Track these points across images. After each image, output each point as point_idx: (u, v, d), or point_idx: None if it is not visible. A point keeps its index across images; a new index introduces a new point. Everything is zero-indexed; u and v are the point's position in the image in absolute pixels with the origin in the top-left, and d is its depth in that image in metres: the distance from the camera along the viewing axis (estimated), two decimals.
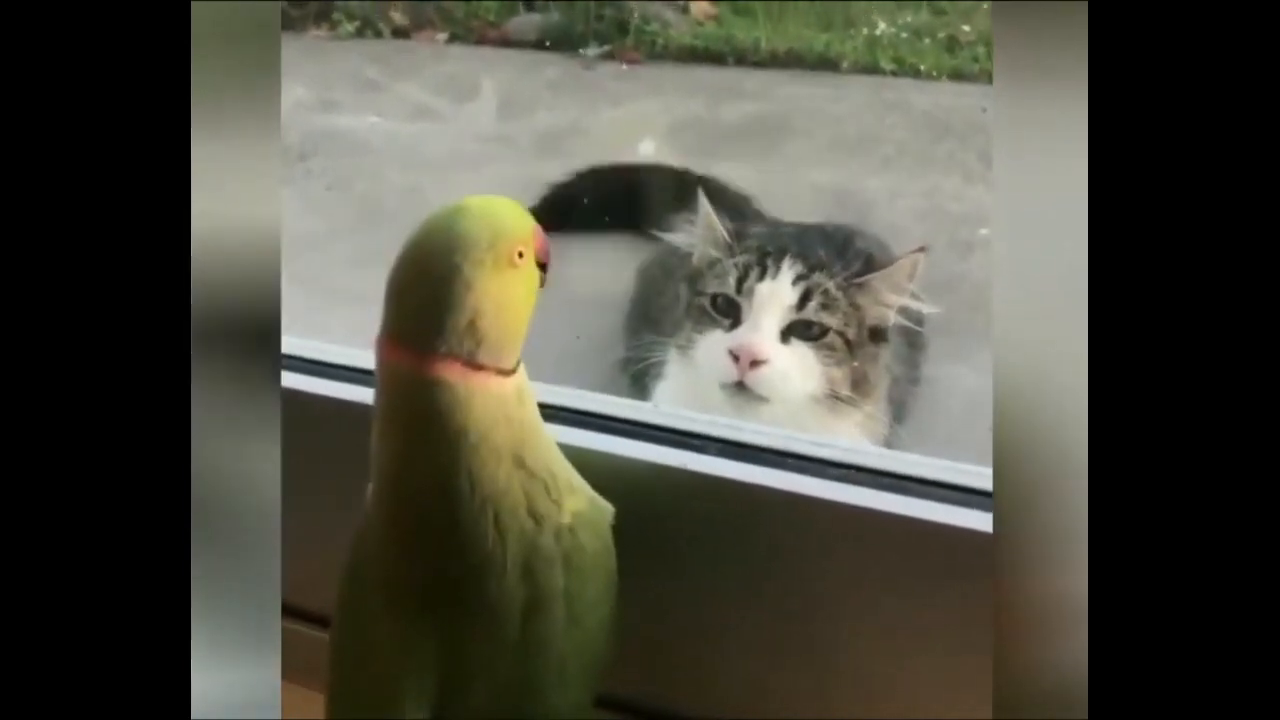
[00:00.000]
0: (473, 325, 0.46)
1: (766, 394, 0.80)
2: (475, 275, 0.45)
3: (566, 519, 0.49)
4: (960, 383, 0.99)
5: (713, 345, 0.82)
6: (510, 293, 0.47)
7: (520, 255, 0.47)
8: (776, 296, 0.81)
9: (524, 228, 0.48)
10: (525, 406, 0.49)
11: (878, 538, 0.54)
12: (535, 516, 0.48)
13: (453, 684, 0.49)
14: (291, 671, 0.48)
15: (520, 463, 0.48)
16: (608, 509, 0.51)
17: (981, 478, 0.54)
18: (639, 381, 0.90)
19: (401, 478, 0.48)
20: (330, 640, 0.52)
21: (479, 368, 0.46)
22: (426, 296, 0.46)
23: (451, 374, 0.46)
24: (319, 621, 0.66)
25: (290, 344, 0.67)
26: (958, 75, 1.52)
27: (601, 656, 0.51)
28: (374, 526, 0.50)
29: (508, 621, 0.48)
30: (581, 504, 0.50)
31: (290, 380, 0.64)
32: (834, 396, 0.81)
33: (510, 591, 0.48)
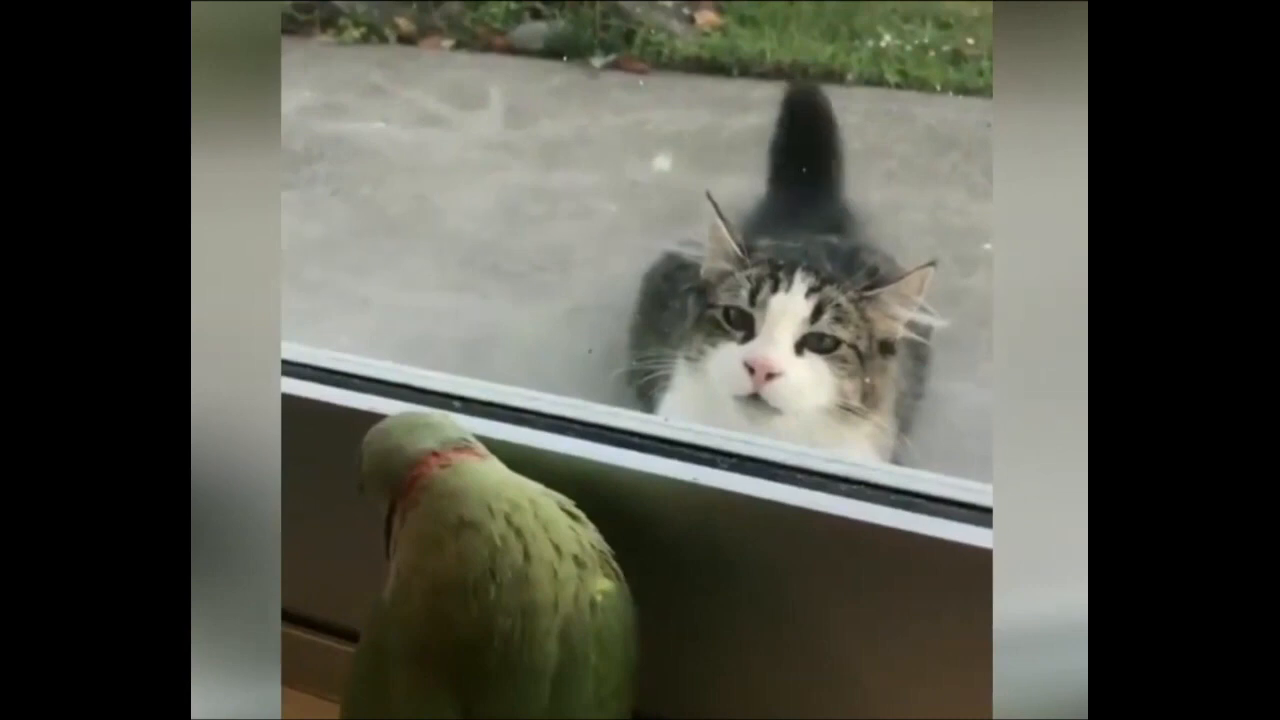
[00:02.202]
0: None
1: (780, 406, 0.80)
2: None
3: (599, 595, 0.50)
4: (964, 398, 0.99)
5: (726, 358, 0.82)
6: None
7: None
8: (790, 309, 0.81)
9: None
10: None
11: (887, 553, 0.54)
12: (580, 561, 0.49)
13: None
14: (291, 677, 0.48)
15: (565, 509, 0.51)
16: (631, 600, 0.52)
17: (990, 495, 0.54)
18: (645, 394, 0.90)
19: (460, 532, 0.49)
20: (347, 704, 0.52)
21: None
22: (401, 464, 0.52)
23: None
24: (319, 627, 0.66)
25: (291, 350, 0.66)
26: (963, 89, 1.53)
27: None
28: (399, 598, 0.50)
29: (540, 684, 0.48)
30: (611, 588, 0.51)
31: (291, 386, 0.64)
32: (845, 408, 0.81)
33: (549, 649, 0.48)
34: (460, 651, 0.48)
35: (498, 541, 0.48)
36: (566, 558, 0.49)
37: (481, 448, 0.53)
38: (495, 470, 0.52)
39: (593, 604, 0.49)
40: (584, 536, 0.51)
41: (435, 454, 0.51)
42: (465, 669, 0.48)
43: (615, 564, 0.52)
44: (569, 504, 0.52)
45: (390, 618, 0.50)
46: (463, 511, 0.49)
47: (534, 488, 0.51)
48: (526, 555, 0.48)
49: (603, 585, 0.50)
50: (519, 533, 0.48)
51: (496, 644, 0.47)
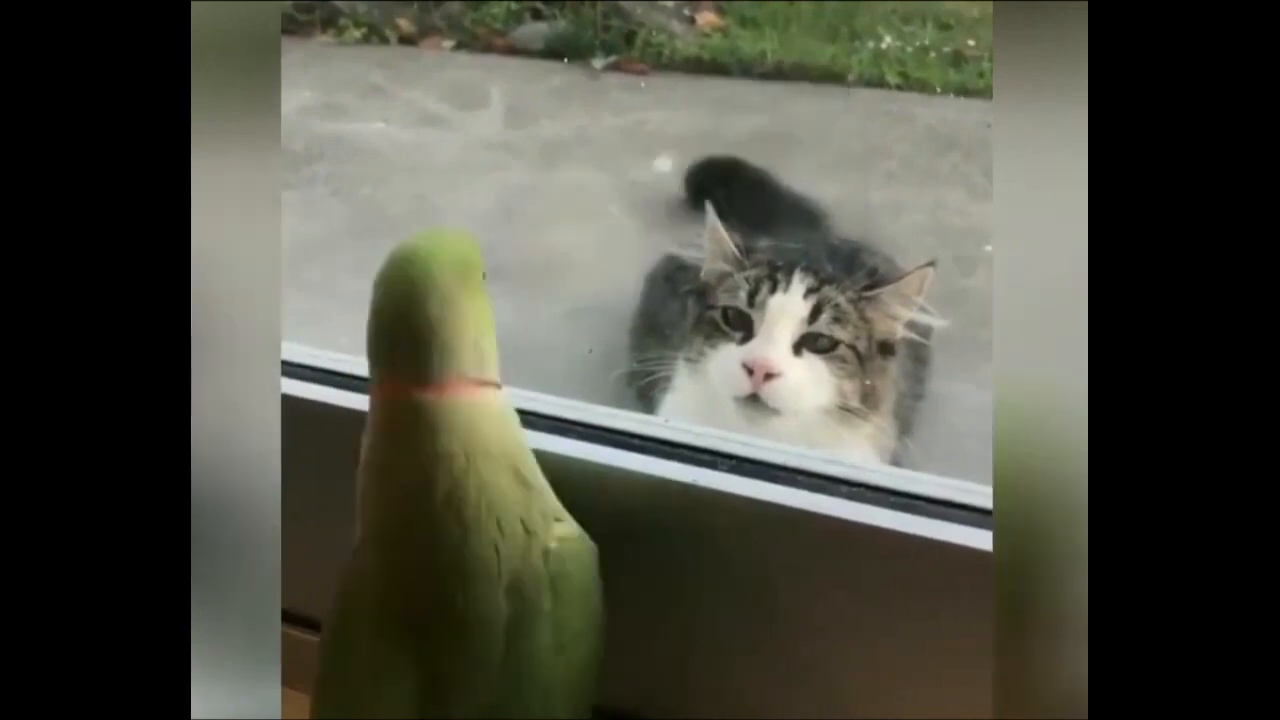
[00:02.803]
0: (477, 345, 0.49)
1: (779, 407, 0.80)
2: (474, 299, 0.49)
3: (553, 543, 0.50)
4: (964, 398, 0.99)
5: (725, 358, 0.82)
6: (488, 309, 0.50)
7: (484, 276, 0.51)
8: (788, 310, 0.81)
9: (478, 252, 0.51)
10: (516, 424, 0.51)
11: (887, 555, 0.54)
12: (528, 528, 0.49)
13: (434, 703, 0.49)
14: (291, 677, 0.48)
15: (518, 474, 0.50)
16: (593, 546, 0.52)
17: (990, 496, 0.54)
18: (645, 395, 0.90)
19: (408, 495, 0.49)
20: (320, 663, 0.52)
21: (485, 383, 0.49)
22: (432, 328, 0.48)
23: (463, 394, 0.48)
24: (319, 627, 0.66)
25: (291, 350, 0.66)
26: (963, 90, 1.53)
27: (588, 691, 0.52)
28: (368, 553, 0.51)
29: (493, 635, 0.48)
30: (570, 534, 0.51)
31: (290, 387, 0.64)
32: (844, 409, 0.81)
33: (497, 604, 0.48)
34: (411, 613, 0.49)
35: (447, 499, 0.48)
36: (512, 522, 0.49)
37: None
38: (471, 415, 0.49)
39: (546, 553, 0.49)
40: (534, 502, 0.50)
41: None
42: (419, 628, 0.49)
43: (567, 514, 0.52)
44: (524, 469, 0.51)
45: (349, 576, 0.51)
46: (420, 464, 0.48)
47: (495, 447, 0.50)
48: (468, 521, 0.48)
49: (559, 532, 0.50)
50: (464, 499, 0.48)
51: (441, 605, 0.48)
